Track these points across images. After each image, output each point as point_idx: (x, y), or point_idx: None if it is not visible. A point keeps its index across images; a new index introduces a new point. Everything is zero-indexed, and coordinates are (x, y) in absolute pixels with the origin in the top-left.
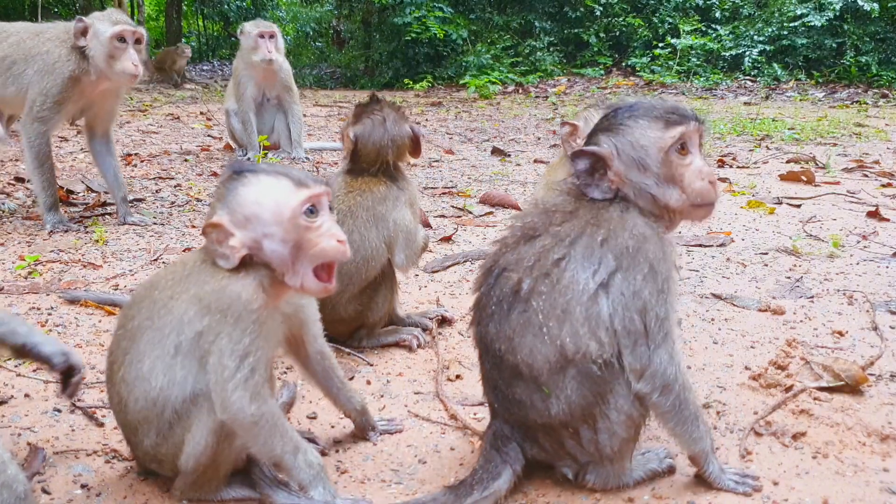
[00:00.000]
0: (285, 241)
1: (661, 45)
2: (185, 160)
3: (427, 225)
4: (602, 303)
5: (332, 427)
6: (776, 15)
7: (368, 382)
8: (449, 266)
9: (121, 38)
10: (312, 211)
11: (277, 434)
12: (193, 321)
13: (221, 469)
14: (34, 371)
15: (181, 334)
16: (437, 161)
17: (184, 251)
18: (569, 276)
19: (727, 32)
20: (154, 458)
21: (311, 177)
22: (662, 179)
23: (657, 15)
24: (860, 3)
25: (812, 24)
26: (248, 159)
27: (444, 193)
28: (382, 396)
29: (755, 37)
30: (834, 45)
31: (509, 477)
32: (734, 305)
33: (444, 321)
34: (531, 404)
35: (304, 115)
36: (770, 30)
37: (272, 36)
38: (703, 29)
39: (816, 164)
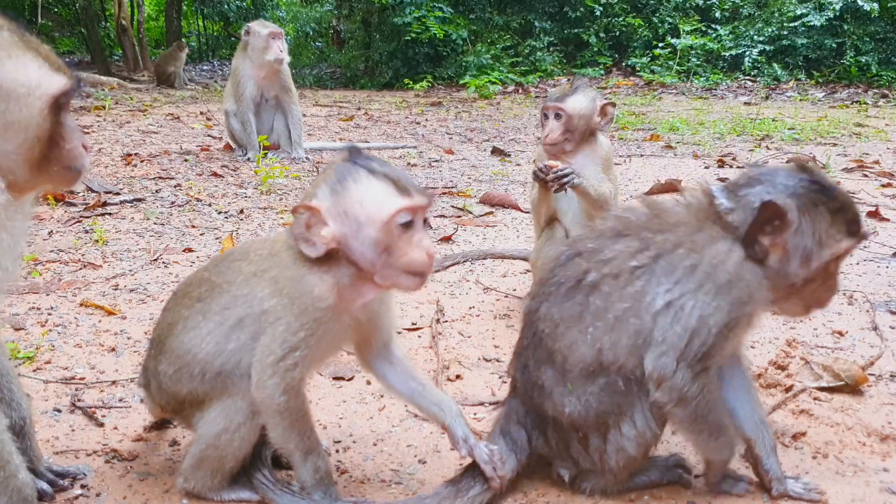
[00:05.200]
0: (376, 244)
1: (661, 45)
2: (185, 160)
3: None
4: (659, 321)
5: (332, 426)
6: (776, 15)
7: (368, 382)
8: (449, 266)
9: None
10: (408, 222)
11: (296, 431)
12: (264, 300)
13: (226, 463)
14: (34, 371)
15: (249, 309)
16: (437, 161)
17: (184, 251)
18: (639, 286)
19: (727, 32)
20: (177, 403)
21: (417, 187)
22: (803, 277)
23: (657, 15)
24: (860, 3)
25: (812, 24)
26: (249, 159)
27: (444, 193)
28: (382, 396)
29: (755, 37)
30: (834, 45)
31: (513, 467)
32: None
33: None
34: (550, 393)
35: (304, 115)
36: (770, 30)
37: (281, 36)
38: (703, 29)
39: (816, 164)
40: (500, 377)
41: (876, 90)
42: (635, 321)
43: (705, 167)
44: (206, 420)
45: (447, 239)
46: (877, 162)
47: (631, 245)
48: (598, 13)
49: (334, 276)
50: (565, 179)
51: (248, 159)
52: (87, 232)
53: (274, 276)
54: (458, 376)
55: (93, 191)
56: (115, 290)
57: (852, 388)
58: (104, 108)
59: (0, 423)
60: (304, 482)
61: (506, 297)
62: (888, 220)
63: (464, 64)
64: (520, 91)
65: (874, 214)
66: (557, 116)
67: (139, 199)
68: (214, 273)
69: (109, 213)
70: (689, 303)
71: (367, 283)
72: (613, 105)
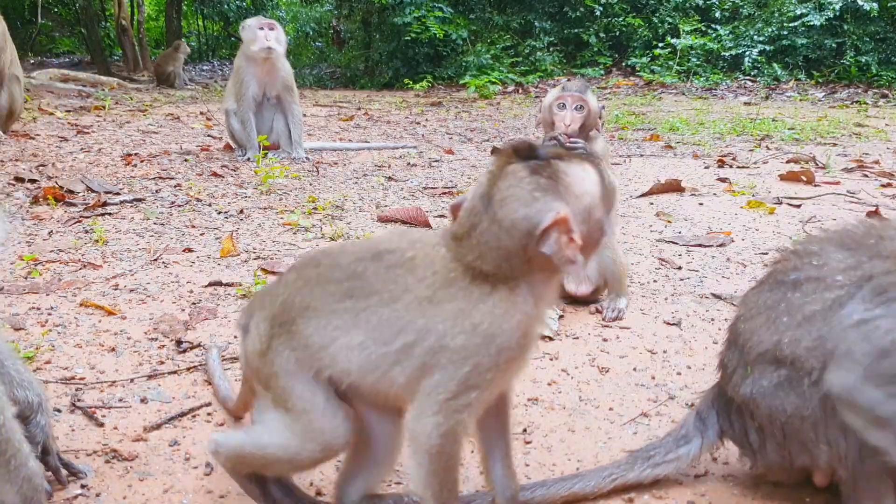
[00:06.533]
0: (603, 224)
1: (661, 45)
2: (185, 160)
3: (427, 225)
4: (849, 335)
5: None
6: (776, 15)
7: None
8: None
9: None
10: None
11: (438, 479)
12: (447, 335)
13: (263, 471)
14: (34, 371)
15: (422, 340)
16: (437, 161)
17: (184, 251)
18: (837, 294)
19: (727, 32)
20: (265, 381)
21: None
22: None
23: (657, 15)
24: (860, 2)
25: (812, 23)
26: (249, 160)
27: (444, 193)
28: None
29: (755, 37)
30: (834, 45)
31: (699, 445)
32: (734, 305)
33: None
34: (732, 373)
35: (304, 116)
36: (770, 30)
37: (272, 27)
38: (703, 29)
39: (816, 164)
40: None
41: (876, 90)
42: (823, 327)
43: (705, 167)
44: (272, 416)
45: None
46: (877, 162)
47: (846, 260)
48: (598, 13)
49: (536, 306)
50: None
51: (248, 159)
52: (87, 232)
53: (462, 308)
54: None
55: (93, 191)
56: (115, 290)
57: None
58: (104, 108)
59: (8, 411)
60: None
61: None
62: (888, 220)
63: (464, 64)
64: (520, 91)
65: (874, 214)
66: (579, 108)
67: (139, 199)
68: (370, 270)
69: (109, 213)
70: (884, 324)
71: (548, 289)
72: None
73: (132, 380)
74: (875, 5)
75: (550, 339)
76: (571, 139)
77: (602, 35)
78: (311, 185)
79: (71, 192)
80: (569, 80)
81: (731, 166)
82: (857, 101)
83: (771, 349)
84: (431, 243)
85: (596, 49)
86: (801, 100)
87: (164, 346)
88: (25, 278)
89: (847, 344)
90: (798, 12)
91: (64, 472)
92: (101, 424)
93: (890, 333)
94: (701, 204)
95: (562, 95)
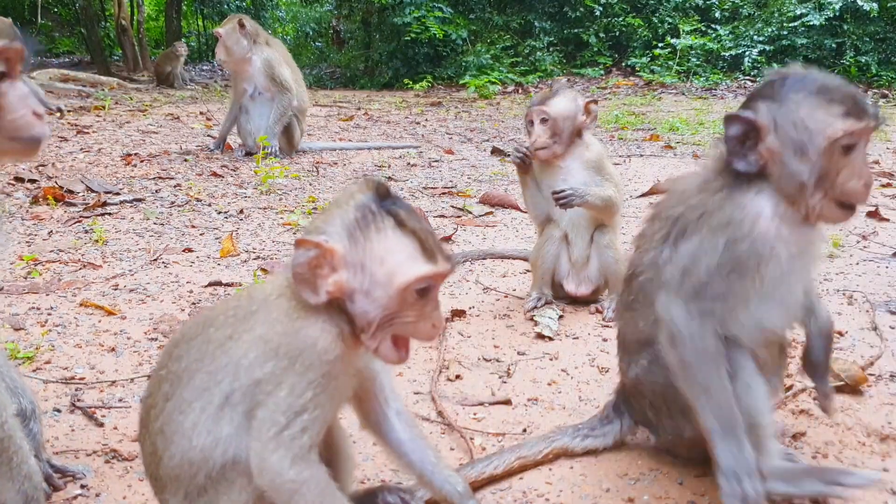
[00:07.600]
0: (384, 308)
1: (660, 45)
2: (185, 160)
3: None
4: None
5: None
6: (776, 15)
7: None
8: None
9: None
10: (424, 291)
11: None
12: (253, 366)
13: None
14: (34, 371)
15: (235, 381)
16: (437, 161)
17: (184, 251)
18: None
19: (727, 32)
20: None
21: (443, 251)
22: (816, 170)
23: (657, 15)
24: (860, 2)
25: (811, 23)
26: (212, 149)
27: (444, 193)
28: None
29: (755, 37)
30: (833, 45)
31: (619, 426)
32: None
33: None
34: (623, 364)
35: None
36: (770, 30)
37: (219, 36)
38: (703, 29)
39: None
40: (499, 377)
41: (876, 90)
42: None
43: None
44: None
45: (447, 239)
46: (877, 162)
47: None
48: (597, 13)
49: (335, 325)
50: (564, 201)
51: (212, 149)
52: (86, 232)
53: (261, 335)
54: (458, 376)
55: (93, 191)
56: (115, 290)
57: (852, 388)
58: (104, 108)
59: (8, 409)
60: None
61: (506, 297)
62: (888, 220)
63: (464, 64)
64: (520, 91)
65: (874, 214)
66: (543, 121)
67: (139, 199)
68: (173, 363)
69: (109, 213)
70: (684, 248)
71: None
72: (595, 102)
73: (132, 380)
74: (875, 5)
75: (550, 339)
76: (558, 192)
77: (602, 35)
78: (311, 185)
79: (71, 192)
80: (552, 83)
81: None
82: None
83: (639, 335)
84: (250, 292)
85: (596, 49)
86: None
87: (163, 346)
88: (25, 278)
89: (665, 275)
90: (798, 12)
91: (56, 475)
92: (101, 424)
93: (689, 256)
94: None
95: (528, 113)
